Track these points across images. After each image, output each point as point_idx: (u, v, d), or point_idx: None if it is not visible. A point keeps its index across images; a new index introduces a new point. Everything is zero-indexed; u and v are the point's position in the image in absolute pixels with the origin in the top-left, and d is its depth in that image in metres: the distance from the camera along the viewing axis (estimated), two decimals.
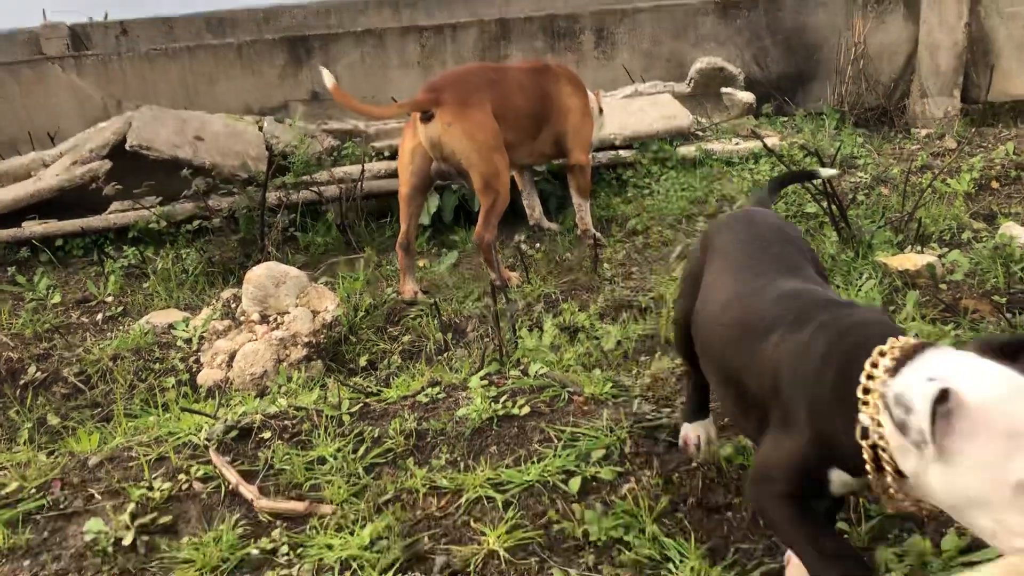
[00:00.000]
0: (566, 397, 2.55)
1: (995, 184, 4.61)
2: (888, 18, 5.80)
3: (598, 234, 4.36)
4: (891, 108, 5.92)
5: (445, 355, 3.31)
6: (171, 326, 3.78)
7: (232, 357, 3.45)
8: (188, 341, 3.64)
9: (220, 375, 3.41)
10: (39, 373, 3.52)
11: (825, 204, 3.82)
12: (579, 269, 4.08)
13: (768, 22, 5.87)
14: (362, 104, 3.93)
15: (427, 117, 3.70)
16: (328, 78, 3.73)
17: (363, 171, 4.80)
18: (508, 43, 6.07)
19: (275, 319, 3.59)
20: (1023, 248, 3.44)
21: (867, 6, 5.76)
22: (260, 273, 3.66)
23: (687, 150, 5.12)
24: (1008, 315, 2.86)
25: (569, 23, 5.98)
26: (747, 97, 5.64)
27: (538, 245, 4.47)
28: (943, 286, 3.30)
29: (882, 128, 5.76)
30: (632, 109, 5.37)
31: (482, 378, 2.70)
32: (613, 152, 5.05)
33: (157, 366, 3.50)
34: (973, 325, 2.84)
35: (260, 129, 5.24)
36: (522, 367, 2.83)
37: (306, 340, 3.46)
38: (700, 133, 5.34)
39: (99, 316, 4.11)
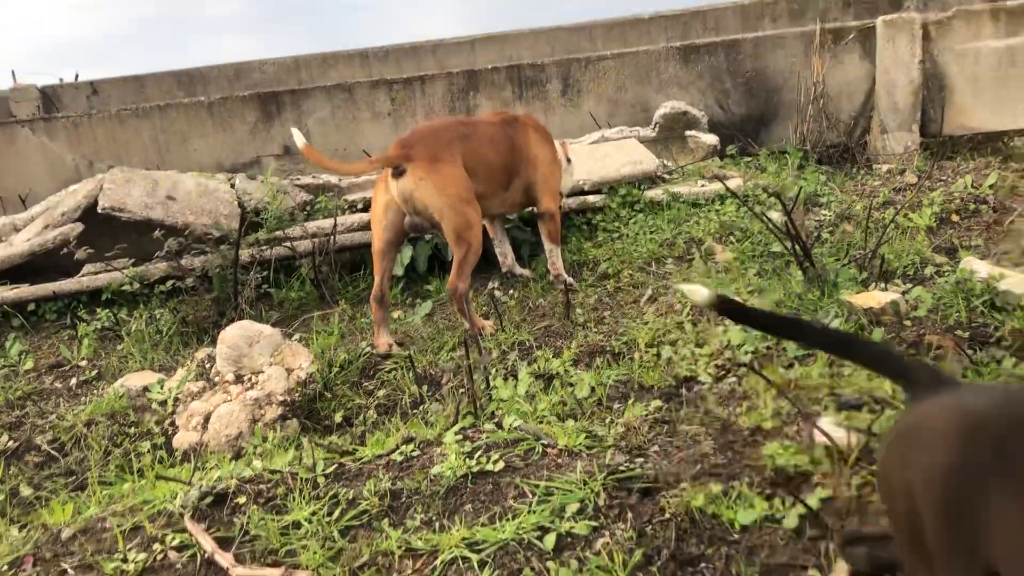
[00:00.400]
0: (540, 450, 2.57)
1: (955, 217, 4.71)
2: (845, 57, 5.95)
3: (569, 279, 4.43)
4: (853, 145, 6.05)
5: (420, 408, 3.33)
6: (146, 388, 3.78)
7: (207, 419, 3.45)
8: (163, 403, 3.63)
9: (195, 437, 3.41)
10: (11, 442, 3.50)
11: (790, 244, 3.89)
12: (552, 315, 4.12)
13: (728, 65, 6.01)
14: (333, 161, 4.00)
15: (399, 172, 3.77)
16: (299, 138, 3.78)
17: (335, 225, 4.84)
18: (476, 93, 6.17)
19: (250, 378, 3.59)
20: (983, 282, 3.51)
21: (824, 46, 5.91)
22: (233, 333, 3.67)
23: (654, 193, 5.20)
24: (970, 351, 2.91)
25: (535, 72, 6.09)
26: (711, 139, 5.75)
27: (512, 292, 4.52)
28: (907, 323, 3.36)
29: (845, 165, 5.88)
30: (599, 155, 5.46)
31: (457, 433, 2.72)
32: (582, 197, 5.12)
33: (132, 430, 3.49)
34: (936, 361, 2.90)
35: (232, 186, 5.27)
36: (496, 419, 2.85)
37: (281, 399, 3.46)
38: (667, 176, 5.43)
39: (73, 381, 4.09)
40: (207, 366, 3.78)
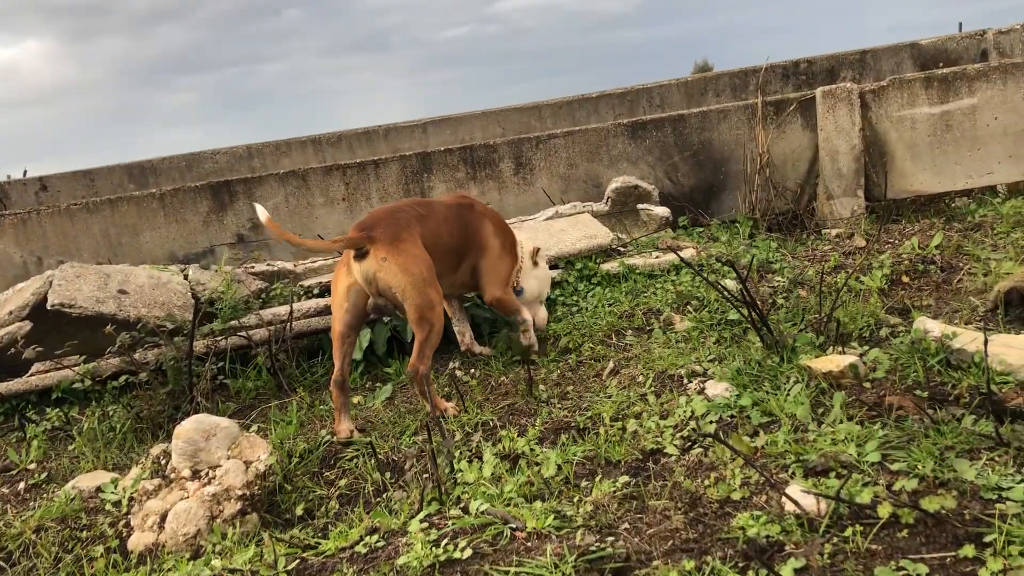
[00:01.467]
0: (508, 534, 2.51)
1: (906, 279, 4.80)
2: (788, 128, 6.13)
3: (534, 346, 4.48)
4: (801, 211, 6.18)
5: (384, 496, 3.25)
6: (99, 489, 3.65)
7: (164, 518, 3.32)
8: (117, 504, 3.50)
9: (152, 538, 3.28)
10: None
11: (746, 311, 3.92)
12: (515, 393, 4.08)
13: (676, 139, 6.15)
14: (298, 237, 3.94)
15: (361, 254, 3.76)
16: (262, 213, 3.80)
17: (292, 311, 4.79)
18: (430, 175, 6.22)
19: (207, 473, 3.49)
20: (937, 341, 3.56)
21: (767, 118, 6.09)
22: (189, 427, 3.57)
23: (610, 266, 5.25)
24: (930, 410, 2.93)
25: (488, 152, 6.17)
26: (663, 212, 5.84)
27: (473, 371, 4.48)
28: (867, 385, 3.38)
29: (794, 231, 6.00)
30: (554, 230, 5.51)
31: (422, 520, 2.66)
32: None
33: (84, 534, 3.35)
34: (898, 423, 2.91)
35: (185, 277, 5.21)
36: (462, 504, 2.79)
37: (239, 493, 3.36)
38: (622, 249, 5.49)
39: (21, 485, 3.94)
40: (163, 462, 3.67)
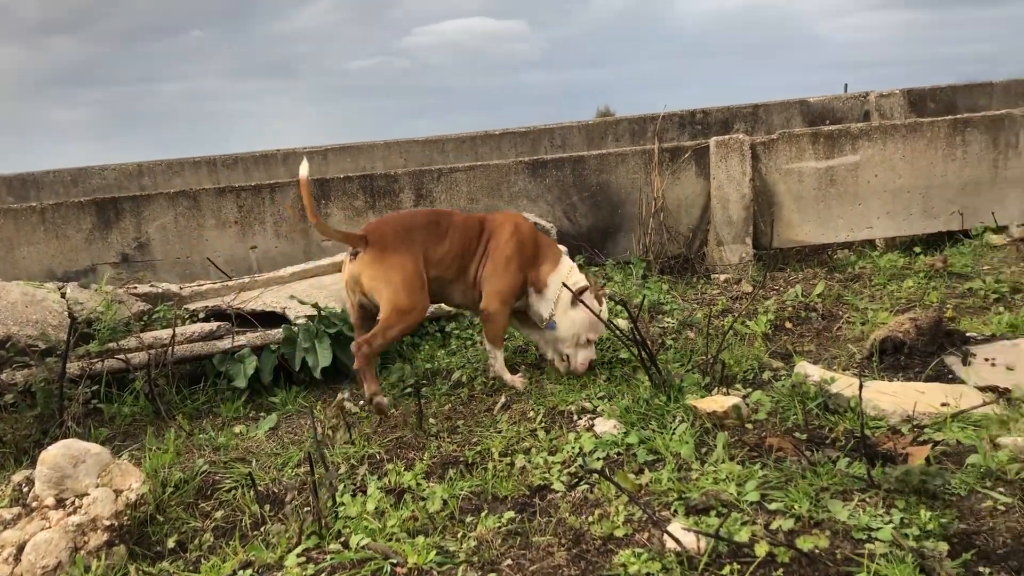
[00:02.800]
0: (389, 569, 2.44)
1: (789, 324, 4.98)
2: (683, 175, 6.31)
3: (513, 382, 4.34)
4: (692, 256, 6.35)
5: (262, 529, 3.13)
6: None
7: (21, 549, 3.11)
8: None
9: (6, 571, 3.06)
10: None
11: (636, 350, 3.98)
12: (405, 426, 4.02)
13: (575, 180, 6.25)
14: (318, 214, 3.98)
15: (355, 254, 3.95)
16: (304, 168, 3.83)
17: (174, 335, 4.60)
18: (328, 202, 6.13)
19: (72, 502, 3.29)
20: (816, 386, 3.69)
21: (663, 164, 6.25)
22: (56, 453, 3.36)
23: None
24: (807, 452, 3.02)
25: (388, 182, 6.13)
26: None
27: (362, 403, 4.39)
28: (749, 426, 3.47)
29: (685, 275, 6.15)
30: None
31: (299, 555, 2.56)
32: (436, 305, 5.10)
33: None
34: (778, 464, 2.99)
35: (63, 295, 4.96)
36: (343, 539, 2.71)
37: (107, 524, 3.18)
38: None
39: None
40: (24, 490, 3.44)
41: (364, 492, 3.29)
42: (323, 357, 4.59)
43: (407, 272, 3.93)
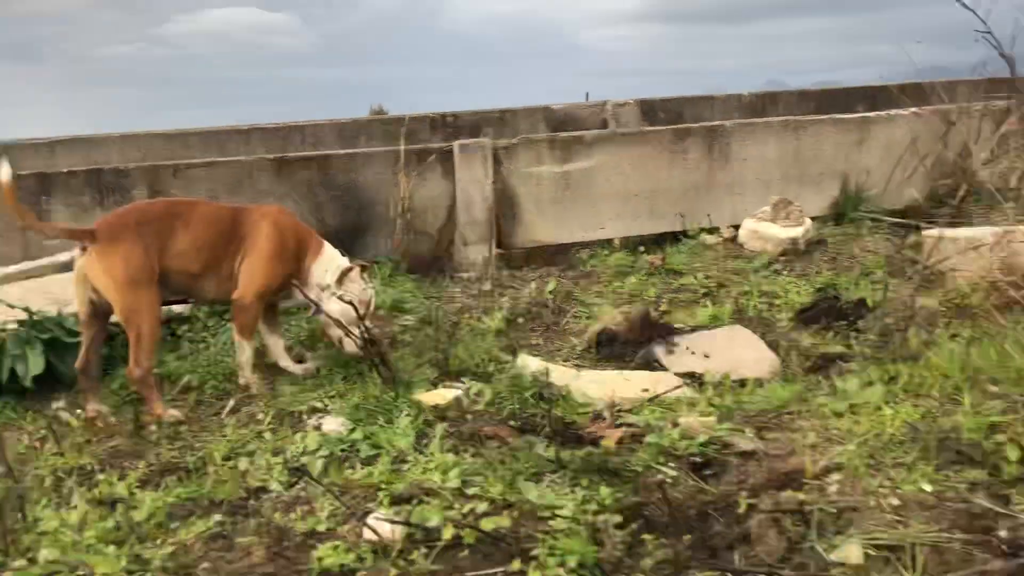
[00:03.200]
0: None
1: (521, 320, 5.23)
2: (429, 176, 6.44)
3: (252, 383, 4.25)
4: (440, 255, 6.50)
5: None
6: None
7: None
8: None
9: None
10: None
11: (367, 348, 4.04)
12: (122, 433, 3.85)
13: (322, 179, 6.20)
14: (27, 213, 3.91)
15: (84, 249, 3.83)
16: (6, 171, 3.70)
17: None
18: (50, 198, 5.72)
19: None
20: (533, 376, 3.92)
21: (409, 165, 6.36)
22: None
23: None
24: (510, 439, 3.21)
25: (118, 178, 5.80)
26: None
27: (79, 412, 4.14)
28: (469, 416, 3.63)
29: (432, 273, 6.28)
30: None
31: None
32: (166, 308, 4.90)
33: None
34: (485, 451, 3.15)
35: None
36: (31, 554, 2.56)
37: None
38: None
39: None
40: None
41: (69, 504, 3.12)
42: (34, 364, 4.28)
43: (131, 266, 3.82)
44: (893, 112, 7.34)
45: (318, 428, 3.69)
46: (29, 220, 3.94)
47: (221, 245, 4.14)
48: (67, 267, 5.31)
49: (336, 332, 4.25)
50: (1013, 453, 2.59)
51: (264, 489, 3.17)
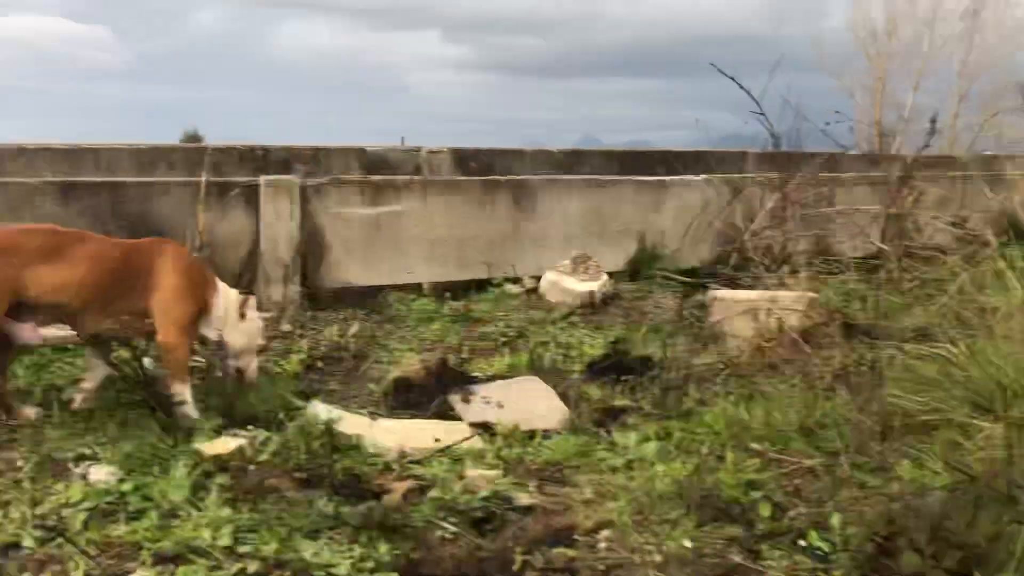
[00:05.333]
0: None
1: (320, 363, 5.13)
2: (231, 212, 6.24)
3: (194, 413, 4.05)
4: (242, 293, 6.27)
5: None
6: None
7: None
8: None
9: None
10: None
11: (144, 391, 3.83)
12: None
13: (113, 207, 5.86)
14: None
15: None
16: None
17: None
18: None
19: None
20: (323, 425, 3.84)
21: (210, 197, 6.13)
22: None
23: None
24: (289, 492, 3.12)
25: None
26: None
27: None
28: (252, 467, 3.49)
29: None
30: None
31: None
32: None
33: None
34: (261, 506, 3.04)
35: None
36: None
37: None
38: None
39: None
40: None
41: None
42: None
43: None
44: (688, 177, 7.86)
45: (84, 477, 3.44)
46: None
47: (118, 282, 4.00)
48: None
49: (235, 363, 4.32)
50: (765, 509, 2.79)
51: (15, 545, 2.91)
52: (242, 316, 4.31)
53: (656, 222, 7.58)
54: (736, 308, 5.02)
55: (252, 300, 4.40)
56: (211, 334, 4.29)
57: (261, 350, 4.53)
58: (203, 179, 6.14)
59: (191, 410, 4.08)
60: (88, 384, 4.26)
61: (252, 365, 4.38)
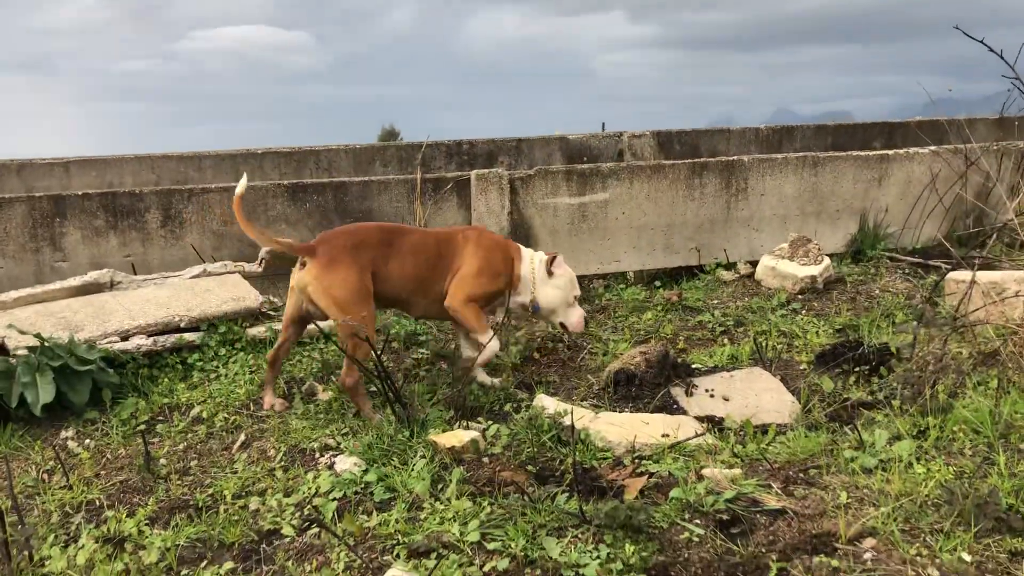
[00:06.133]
0: None
1: (537, 355, 5.15)
2: (444, 205, 6.39)
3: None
4: None
5: None
6: None
7: None
8: None
9: None
10: None
11: (380, 384, 3.97)
12: (131, 468, 3.77)
13: (337, 206, 6.16)
14: (251, 225, 4.12)
15: (303, 264, 4.12)
16: (242, 184, 4.21)
17: None
18: (64, 220, 5.67)
19: None
20: (551, 418, 3.84)
21: (425, 193, 6.31)
22: None
23: (258, 331, 5.08)
24: (530, 488, 3.12)
25: (132, 201, 5.76)
26: None
27: (89, 442, 4.08)
28: (485, 460, 3.55)
29: None
30: (199, 289, 5.24)
31: None
32: (177, 335, 4.84)
33: None
34: (503, 500, 3.06)
35: None
36: None
37: None
38: (272, 313, 5.34)
39: None
40: None
41: (77, 542, 3.05)
42: (45, 393, 4.22)
43: (351, 289, 4.05)
44: (912, 150, 7.28)
45: (331, 467, 3.61)
46: (256, 230, 4.15)
47: (432, 269, 4.37)
48: (80, 291, 5.28)
49: (557, 317, 4.68)
50: None
51: (276, 532, 3.09)
52: (550, 274, 4.62)
53: (879, 199, 7.07)
54: (988, 291, 4.57)
55: (559, 257, 4.65)
56: (525, 298, 4.62)
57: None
58: (418, 176, 6.31)
59: (494, 345, 4.44)
60: (468, 352, 4.61)
61: (572, 318, 4.69)
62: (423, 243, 4.40)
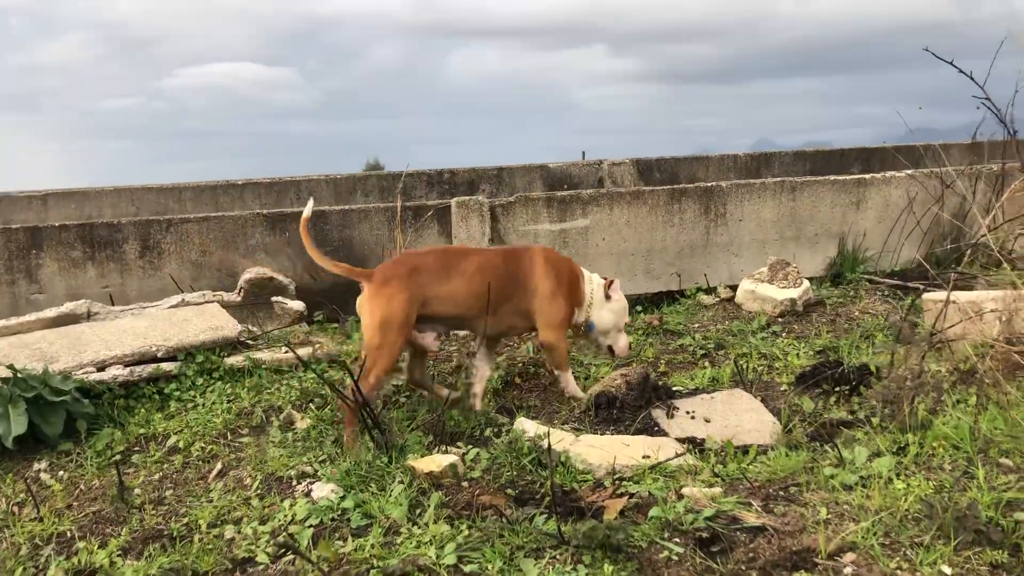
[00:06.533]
0: None
1: (518, 380, 5.13)
2: (426, 232, 6.40)
3: (580, 394, 4.65)
4: None
5: None
6: None
7: None
8: None
9: None
10: None
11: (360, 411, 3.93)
12: (104, 498, 3.71)
13: (317, 234, 6.14)
14: (317, 249, 4.31)
15: (360, 288, 4.22)
16: (308, 208, 4.43)
17: None
18: (41, 252, 5.63)
19: None
20: (531, 441, 3.81)
21: (405, 221, 6.31)
22: None
23: (235, 360, 5.04)
24: (509, 509, 3.09)
25: (110, 232, 5.73)
26: (297, 305, 5.77)
27: (61, 473, 4.02)
28: (464, 484, 3.51)
29: None
30: (177, 319, 5.20)
31: None
32: (154, 365, 4.79)
33: None
34: (480, 523, 3.02)
35: None
36: None
37: None
38: (251, 342, 5.30)
39: None
40: None
41: (45, 575, 2.99)
42: (17, 425, 4.16)
43: (387, 310, 4.10)
44: (889, 174, 7.35)
45: (307, 495, 3.56)
46: (320, 255, 4.29)
47: (497, 290, 4.34)
48: (56, 322, 5.23)
49: (607, 340, 4.75)
50: None
51: (250, 560, 3.04)
52: (607, 297, 4.69)
53: (857, 223, 7.13)
54: (965, 311, 4.59)
55: (616, 283, 4.74)
56: (581, 317, 4.67)
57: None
58: (399, 204, 6.32)
59: (576, 390, 4.67)
60: (477, 387, 4.64)
61: (620, 342, 4.78)
62: (490, 263, 4.42)
